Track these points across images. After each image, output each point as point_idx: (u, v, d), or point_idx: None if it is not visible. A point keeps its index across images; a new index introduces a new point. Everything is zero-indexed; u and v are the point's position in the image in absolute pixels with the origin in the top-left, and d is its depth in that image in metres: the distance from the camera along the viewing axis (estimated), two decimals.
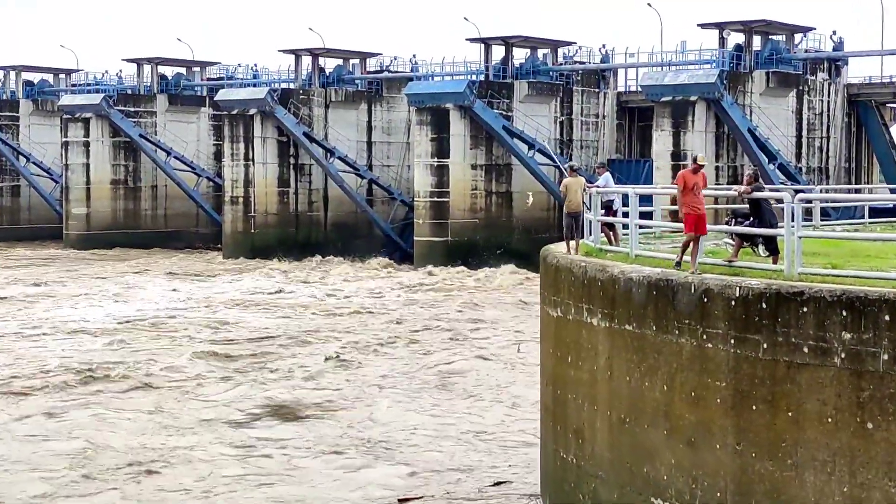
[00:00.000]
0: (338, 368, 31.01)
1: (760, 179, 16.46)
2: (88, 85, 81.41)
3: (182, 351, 33.14)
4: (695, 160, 15.58)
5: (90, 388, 27.92)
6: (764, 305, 12.69)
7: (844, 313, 12.03)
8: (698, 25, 56.49)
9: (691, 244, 14.81)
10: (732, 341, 12.98)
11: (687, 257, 14.89)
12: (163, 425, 24.28)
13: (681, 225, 15.41)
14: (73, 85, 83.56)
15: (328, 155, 66.29)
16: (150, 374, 29.48)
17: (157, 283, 52.73)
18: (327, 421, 24.90)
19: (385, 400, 27.04)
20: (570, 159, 59.91)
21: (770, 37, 56.75)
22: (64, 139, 75.89)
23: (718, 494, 13.14)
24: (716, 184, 51.20)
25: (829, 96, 58.12)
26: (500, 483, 20.19)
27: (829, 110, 58.16)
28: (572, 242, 18.56)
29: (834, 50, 58.56)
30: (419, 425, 24.50)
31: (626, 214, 17.97)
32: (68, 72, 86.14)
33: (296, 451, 22.39)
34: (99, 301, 45.38)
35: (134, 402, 26.41)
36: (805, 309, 12.32)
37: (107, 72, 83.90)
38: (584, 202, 19.44)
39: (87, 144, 74.47)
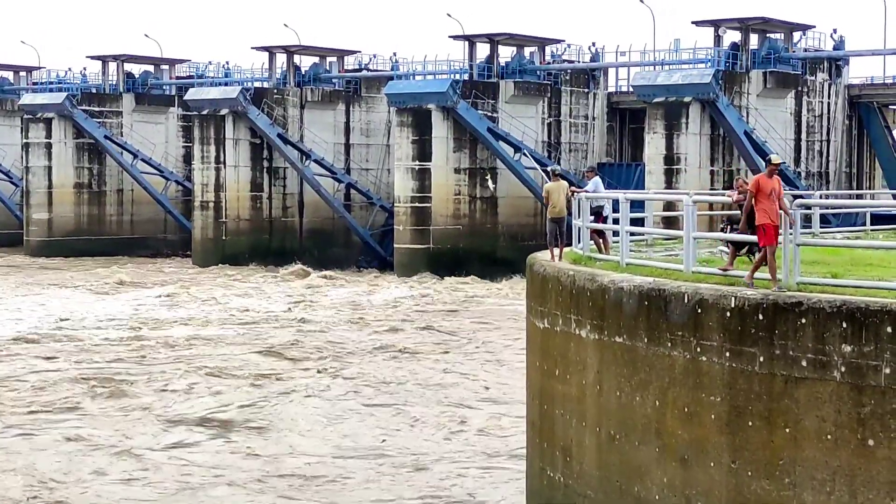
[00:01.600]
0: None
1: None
2: (51, 83, 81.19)
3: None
4: (769, 162, 14.54)
5: None
6: (760, 317, 12.71)
7: (845, 325, 12.06)
8: (693, 23, 56.76)
9: (767, 257, 13.85)
10: (727, 354, 13.00)
11: (763, 273, 14.00)
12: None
13: (674, 232, 15.42)
14: (35, 83, 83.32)
15: (304, 158, 66.24)
16: None
17: (54, 295, 51.63)
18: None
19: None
20: (559, 163, 60.01)
21: (767, 35, 56.99)
22: (24, 140, 75.63)
23: None
24: (711, 189, 51.37)
25: (829, 97, 58.38)
26: None
27: (829, 112, 58.41)
28: (557, 249, 18.77)
29: (834, 49, 58.84)
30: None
31: (616, 221, 18.00)
32: (29, 69, 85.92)
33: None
34: None
35: None
36: (803, 320, 12.35)
37: (70, 69, 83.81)
38: (568, 207, 19.65)
39: (48, 146, 74.22)
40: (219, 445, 24.32)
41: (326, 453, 23.54)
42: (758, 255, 14.27)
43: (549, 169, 22.64)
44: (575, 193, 19.65)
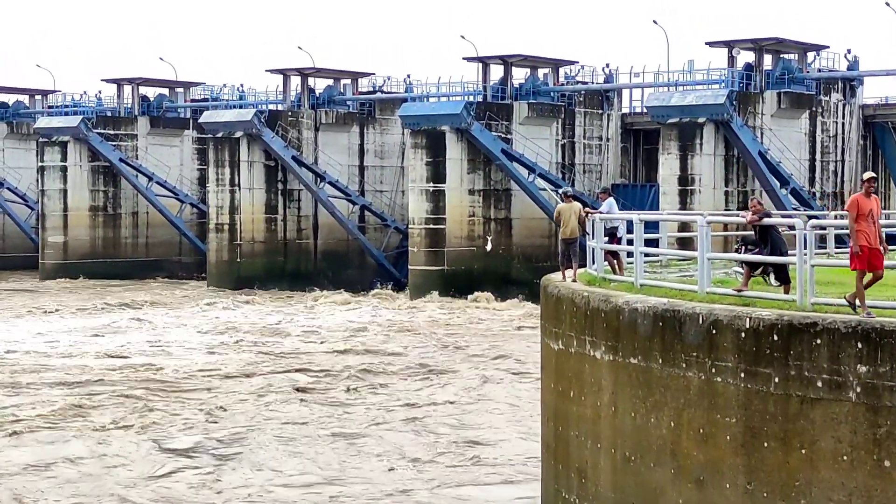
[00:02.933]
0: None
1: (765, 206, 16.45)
2: (66, 106, 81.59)
3: None
4: (867, 181, 13.61)
5: None
6: (775, 337, 12.71)
7: (860, 345, 12.05)
8: (706, 44, 56.80)
9: (856, 283, 13.18)
10: (742, 375, 12.99)
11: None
12: None
13: (689, 252, 15.43)
14: (50, 107, 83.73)
15: (318, 180, 66.38)
16: None
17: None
18: None
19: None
20: (573, 184, 60.06)
21: (781, 55, 56.99)
22: (40, 163, 75.94)
23: None
24: (725, 210, 51.32)
25: (843, 118, 58.32)
26: None
27: (843, 132, 58.34)
28: (569, 271, 18.83)
29: (848, 69, 58.80)
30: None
31: (630, 242, 18.02)
32: (45, 93, 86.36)
33: None
34: None
35: None
36: (818, 341, 12.34)
37: (85, 93, 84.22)
38: (579, 228, 19.79)
39: (64, 169, 74.51)
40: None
41: None
42: (857, 280, 13.24)
43: (561, 191, 22.75)
44: (589, 214, 19.70)
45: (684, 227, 34.04)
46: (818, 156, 57.23)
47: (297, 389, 33.03)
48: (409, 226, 60.96)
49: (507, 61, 63.06)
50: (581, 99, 63.78)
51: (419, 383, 34.43)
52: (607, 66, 65.38)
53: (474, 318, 51.18)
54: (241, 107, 72.43)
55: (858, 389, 12.04)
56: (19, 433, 27.38)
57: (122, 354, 40.19)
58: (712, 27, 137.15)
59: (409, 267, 60.36)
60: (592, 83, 65.20)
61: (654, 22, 66.92)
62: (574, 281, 18.28)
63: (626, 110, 65.97)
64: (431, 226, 59.48)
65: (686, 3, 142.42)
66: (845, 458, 12.12)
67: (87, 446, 26.10)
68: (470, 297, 57.05)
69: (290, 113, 67.94)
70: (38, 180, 76.59)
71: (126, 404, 30.74)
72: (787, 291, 14.85)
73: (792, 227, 14.33)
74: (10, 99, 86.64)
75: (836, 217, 32.96)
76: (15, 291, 65.82)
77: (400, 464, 24.40)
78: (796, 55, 57.48)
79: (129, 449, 25.85)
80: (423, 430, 27.82)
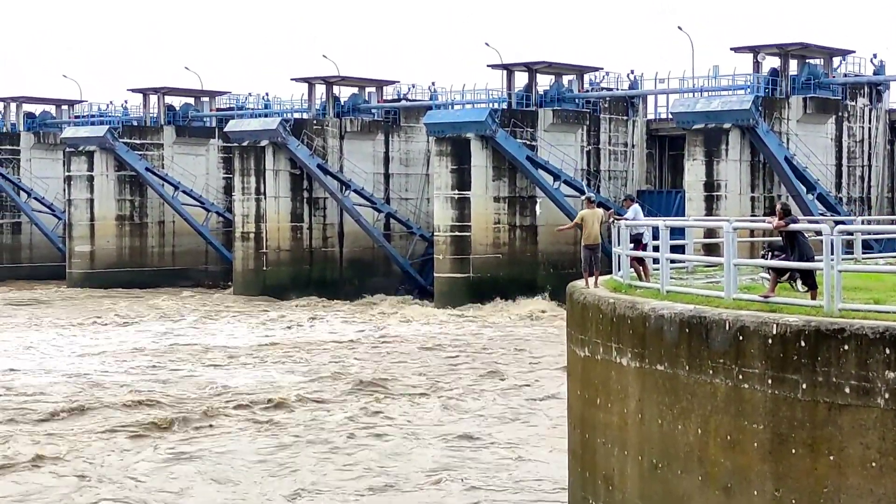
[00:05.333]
0: None
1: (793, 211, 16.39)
2: (92, 116, 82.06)
3: None
4: None
5: None
6: (803, 343, 12.67)
7: (888, 351, 12.00)
8: (731, 49, 56.67)
9: None
10: (770, 381, 12.95)
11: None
12: None
13: (715, 259, 15.38)
14: (77, 117, 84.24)
15: (343, 188, 66.54)
16: None
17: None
18: None
19: None
20: (598, 191, 60.01)
21: (807, 60, 56.83)
22: (67, 173, 76.38)
23: None
24: (751, 216, 51.17)
25: (870, 122, 58.08)
26: None
27: (870, 137, 58.10)
28: (592, 278, 18.86)
29: (875, 74, 58.56)
30: None
31: (656, 248, 18.00)
32: (71, 103, 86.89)
33: None
34: None
35: None
36: (846, 347, 12.29)
37: (111, 102, 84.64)
38: (601, 234, 19.86)
39: (90, 179, 74.92)
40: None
41: None
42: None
43: (584, 197, 22.80)
44: (614, 221, 19.70)
45: (710, 233, 33.94)
46: (845, 161, 57.01)
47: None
48: (435, 233, 61.01)
49: (531, 68, 63.07)
50: (606, 105, 63.73)
51: None
52: (632, 72, 65.37)
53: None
54: (266, 115, 72.69)
55: (887, 395, 11.98)
56: None
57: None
58: (737, 33, 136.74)
59: (435, 274, 60.39)
60: (617, 89, 65.15)
61: (679, 28, 66.86)
62: (595, 286, 18.31)
63: (651, 116, 65.89)
64: (457, 233, 59.51)
65: (711, 9, 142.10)
66: (874, 464, 12.06)
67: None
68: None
69: (315, 121, 68.13)
70: (64, 190, 77.03)
71: None
72: (814, 297, 14.79)
73: (819, 233, 14.29)
74: (36, 109, 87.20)
75: (863, 222, 32.87)
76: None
77: None
78: (822, 60, 57.29)
79: None
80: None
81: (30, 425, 29.30)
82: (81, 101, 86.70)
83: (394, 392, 34.19)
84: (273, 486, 23.65)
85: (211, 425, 29.27)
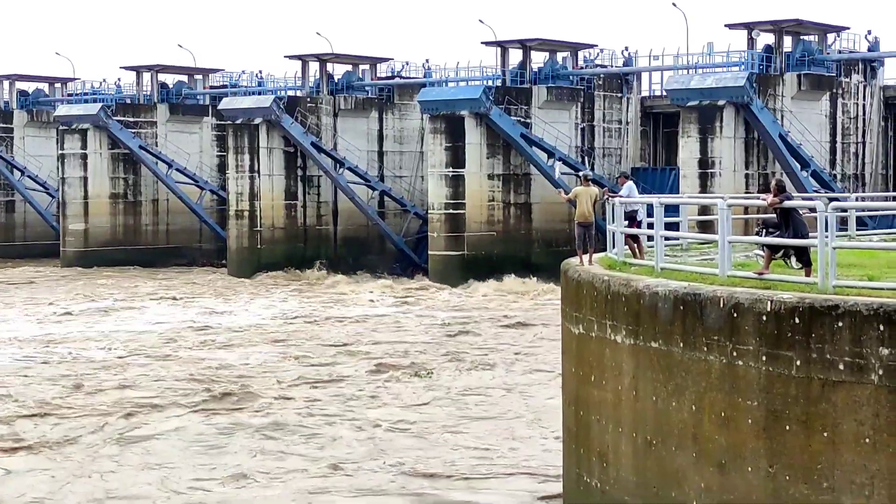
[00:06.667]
0: None
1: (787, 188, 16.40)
2: (85, 94, 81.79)
3: None
4: None
5: None
6: (797, 320, 12.68)
7: (882, 328, 12.02)
8: (726, 26, 56.54)
9: None
10: (764, 358, 12.97)
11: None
12: None
13: (709, 236, 15.39)
14: (70, 94, 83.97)
15: (337, 166, 66.43)
16: None
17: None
18: None
19: None
20: (592, 168, 59.99)
21: (801, 37, 56.73)
22: (60, 151, 76.21)
23: None
24: (746, 193, 51.18)
25: (864, 99, 58.05)
26: None
27: (864, 114, 58.07)
28: (586, 255, 18.90)
29: (869, 50, 58.48)
30: None
31: (650, 225, 18.00)
32: (64, 80, 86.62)
33: None
34: None
35: None
36: (840, 324, 12.31)
37: (104, 80, 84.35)
38: (594, 211, 19.89)
39: (84, 157, 74.76)
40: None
41: None
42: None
43: (581, 174, 22.79)
44: (609, 198, 19.70)
45: (705, 210, 34.00)
46: (839, 138, 57.00)
47: None
48: (429, 211, 60.98)
49: (525, 45, 62.92)
50: (600, 82, 63.64)
51: None
52: (626, 49, 65.24)
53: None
54: (259, 93, 72.53)
55: (881, 372, 12.00)
56: None
57: None
58: (731, 9, 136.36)
59: (430, 252, 60.39)
60: (612, 66, 65.04)
61: (674, 4, 66.68)
62: (590, 264, 18.33)
63: (645, 93, 65.82)
64: (451, 211, 59.48)
65: None
66: (867, 440, 12.09)
67: None
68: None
69: (308, 99, 67.98)
70: (58, 168, 76.87)
71: None
72: (808, 274, 14.81)
73: (813, 210, 14.29)
74: (30, 87, 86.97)
75: (857, 199, 32.88)
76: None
77: None
78: (816, 37, 57.20)
79: None
80: None
81: None
82: (75, 79, 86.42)
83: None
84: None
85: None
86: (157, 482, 22.38)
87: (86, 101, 78.55)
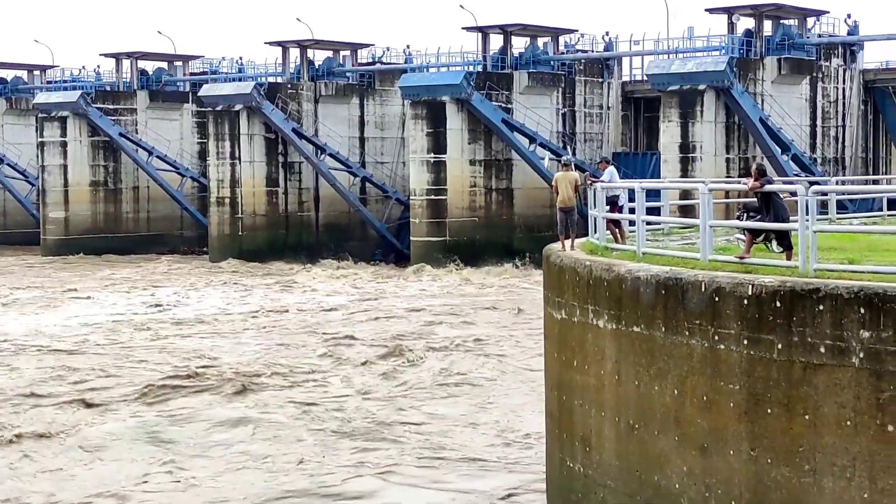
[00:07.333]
0: None
1: (768, 172, 16.44)
2: (65, 82, 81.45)
3: None
4: None
5: None
6: (778, 304, 12.72)
7: (862, 311, 12.06)
8: (706, 10, 56.63)
9: None
10: (745, 342, 13.01)
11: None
12: None
13: (691, 220, 15.42)
14: (49, 82, 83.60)
15: (319, 152, 66.33)
16: None
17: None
18: None
19: None
20: (574, 153, 60.06)
21: (781, 21, 56.84)
22: (40, 139, 75.88)
23: (733, 503, 13.18)
24: (727, 177, 51.31)
25: (844, 83, 58.22)
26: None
27: (844, 98, 58.25)
28: (568, 240, 18.92)
29: (849, 34, 58.66)
30: None
31: (632, 210, 18.03)
32: (43, 68, 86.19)
33: None
34: None
35: None
36: (821, 307, 12.35)
37: (84, 67, 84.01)
38: (575, 197, 19.98)
39: (64, 144, 74.46)
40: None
41: None
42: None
43: (563, 160, 22.84)
44: (590, 183, 19.73)
45: (686, 194, 33.96)
46: (819, 121, 57.16)
47: None
48: (411, 197, 60.97)
49: (506, 31, 62.90)
50: (581, 67, 63.66)
51: None
52: (607, 34, 65.27)
53: None
54: (240, 80, 72.34)
55: (861, 355, 12.05)
56: None
57: None
58: None
59: (411, 238, 60.41)
60: (592, 51, 65.07)
61: None
62: (572, 249, 18.36)
63: (626, 78, 65.91)
64: (433, 196, 59.49)
65: None
66: (849, 423, 12.15)
67: None
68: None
69: (289, 85, 67.82)
70: (38, 156, 76.53)
71: None
72: (789, 258, 14.85)
73: (794, 194, 14.33)
74: (8, 74, 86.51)
75: (837, 183, 33.01)
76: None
77: None
78: (796, 21, 57.32)
79: None
80: None
81: None
82: (54, 66, 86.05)
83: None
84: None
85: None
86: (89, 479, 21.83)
87: (65, 89, 78.23)
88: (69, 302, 48.86)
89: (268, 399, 28.14)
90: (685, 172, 52.54)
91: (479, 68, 62.36)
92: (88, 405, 27.43)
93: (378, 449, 23.37)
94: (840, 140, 58.31)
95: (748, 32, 55.77)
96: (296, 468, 22.11)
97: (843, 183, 39.25)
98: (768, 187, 15.60)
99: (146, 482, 21.37)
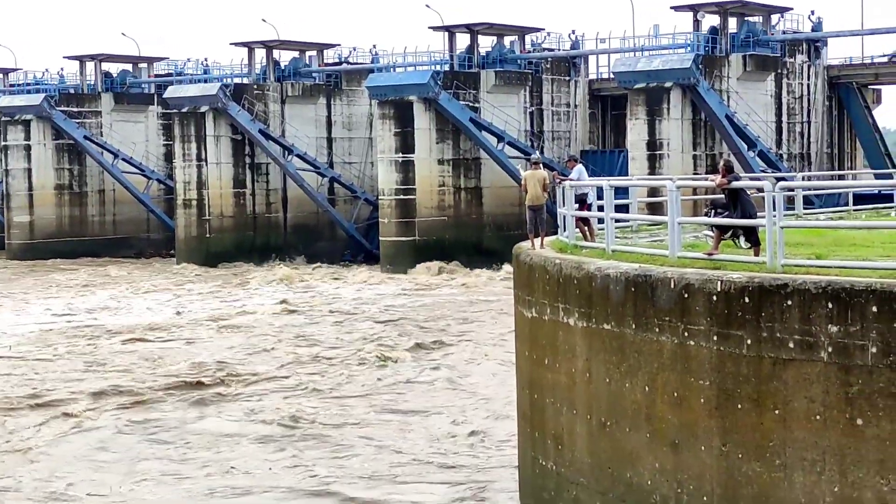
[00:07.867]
0: None
1: (735, 168, 16.53)
2: (28, 85, 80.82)
3: None
4: None
5: None
6: (747, 300, 12.80)
7: (830, 305, 12.16)
8: (671, 8, 56.82)
9: None
10: (715, 338, 13.09)
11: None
12: None
13: (659, 217, 15.49)
14: (12, 85, 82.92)
15: (286, 153, 66.17)
16: None
17: None
18: None
19: None
20: (542, 152, 60.15)
21: (746, 18, 57.13)
22: (3, 143, 75.32)
23: (705, 498, 13.25)
24: (694, 174, 51.51)
25: (808, 79, 58.59)
26: None
27: (809, 94, 58.61)
28: (537, 239, 18.97)
29: (812, 30, 59.03)
30: None
31: (601, 208, 18.09)
32: (6, 71, 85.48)
33: None
34: None
35: None
36: (789, 302, 12.44)
37: (47, 70, 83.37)
38: (546, 195, 20.00)
39: (28, 148, 73.96)
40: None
41: None
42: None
43: (532, 158, 22.90)
44: (559, 182, 19.79)
45: (654, 192, 34.11)
46: (784, 117, 57.48)
47: None
48: (379, 197, 60.93)
49: (473, 30, 62.92)
50: (548, 66, 63.77)
51: None
52: (573, 32, 65.43)
53: None
54: (205, 81, 72.02)
55: (830, 349, 12.15)
56: None
57: None
58: None
59: (381, 238, 60.39)
60: (559, 50, 65.19)
61: None
62: (541, 247, 18.41)
63: (593, 76, 66.09)
64: (401, 196, 59.47)
65: None
66: (818, 417, 12.25)
67: None
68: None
69: (255, 86, 67.63)
70: (1, 160, 75.96)
71: None
72: (757, 254, 14.94)
73: (761, 190, 14.42)
74: None
75: (803, 178, 33.20)
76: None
77: None
78: (761, 18, 57.64)
79: None
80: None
81: None
82: (16, 70, 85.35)
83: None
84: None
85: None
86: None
87: (28, 92, 77.64)
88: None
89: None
90: (653, 170, 52.73)
91: (446, 67, 62.37)
92: None
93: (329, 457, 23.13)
94: (805, 136, 58.67)
95: (713, 30, 56.01)
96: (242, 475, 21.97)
97: (810, 178, 39.45)
98: (735, 184, 15.69)
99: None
